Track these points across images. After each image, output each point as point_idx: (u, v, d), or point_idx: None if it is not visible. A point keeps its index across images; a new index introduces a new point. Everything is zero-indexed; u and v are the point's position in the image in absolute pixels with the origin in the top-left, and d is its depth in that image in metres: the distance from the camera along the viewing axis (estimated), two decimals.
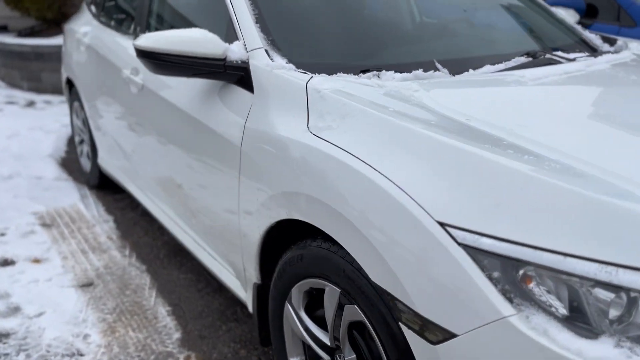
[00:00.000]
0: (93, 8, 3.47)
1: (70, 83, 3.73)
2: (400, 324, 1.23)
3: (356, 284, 1.35)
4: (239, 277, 2.00)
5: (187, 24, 2.37)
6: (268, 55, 1.79)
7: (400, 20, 2.27)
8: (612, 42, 2.35)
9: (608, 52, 2.15)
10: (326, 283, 1.47)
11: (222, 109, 1.88)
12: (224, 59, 1.81)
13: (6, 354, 2.08)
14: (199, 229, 2.24)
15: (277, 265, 1.67)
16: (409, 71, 1.70)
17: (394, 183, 1.23)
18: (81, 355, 2.08)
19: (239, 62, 1.81)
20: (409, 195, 1.19)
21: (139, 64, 2.46)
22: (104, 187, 3.61)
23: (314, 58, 1.84)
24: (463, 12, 2.26)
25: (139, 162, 2.69)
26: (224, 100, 1.89)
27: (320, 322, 1.58)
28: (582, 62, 1.90)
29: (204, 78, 1.89)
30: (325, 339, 1.55)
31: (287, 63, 1.75)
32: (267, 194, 1.61)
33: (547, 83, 1.69)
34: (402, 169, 1.25)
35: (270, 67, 1.74)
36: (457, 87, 1.63)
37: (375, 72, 1.70)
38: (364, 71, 1.71)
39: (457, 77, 1.70)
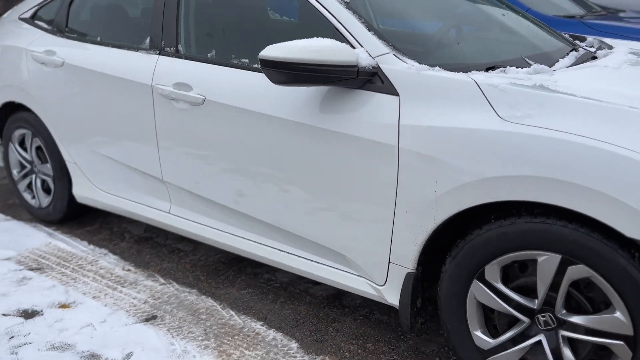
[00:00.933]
0: (43, 23, 3.14)
1: (5, 110, 3.32)
2: None
3: (586, 245, 1.58)
4: (366, 276, 2.09)
5: (252, 36, 2.36)
6: (399, 59, 1.93)
7: (488, 25, 2.55)
8: (581, 40, 2.86)
9: (607, 46, 2.64)
10: (540, 252, 1.67)
11: (355, 113, 1.96)
12: (356, 66, 1.90)
13: None
14: (297, 242, 2.26)
15: (456, 250, 1.83)
16: (521, 67, 1.98)
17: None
18: None
19: (370, 67, 1.92)
20: None
21: (189, 78, 2.37)
22: (68, 220, 3.29)
23: (436, 60, 2.01)
24: (502, 16, 2.60)
25: (187, 181, 2.56)
26: (352, 105, 1.97)
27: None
28: (616, 54, 2.34)
29: (330, 85, 1.96)
30: (529, 304, 1.75)
31: (419, 64, 1.91)
32: (451, 185, 1.75)
33: (631, 66, 2.09)
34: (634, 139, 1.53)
35: (414, 70, 1.88)
36: (585, 75, 1.95)
37: (501, 69, 1.94)
38: (489, 68, 1.94)
39: (571, 68, 2.01)
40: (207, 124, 2.35)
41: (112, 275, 2.74)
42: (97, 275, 2.74)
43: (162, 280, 2.69)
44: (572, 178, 1.56)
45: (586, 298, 1.68)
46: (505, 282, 1.80)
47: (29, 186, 3.40)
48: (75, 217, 3.35)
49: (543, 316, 1.75)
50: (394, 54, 1.95)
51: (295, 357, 2.13)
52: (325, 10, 2.11)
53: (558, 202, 1.59)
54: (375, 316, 2.39)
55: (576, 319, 1.68)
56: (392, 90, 1.91)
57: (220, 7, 2.51)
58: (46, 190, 3.33)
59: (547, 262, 1.68)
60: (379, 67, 1.93)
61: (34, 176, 3.34)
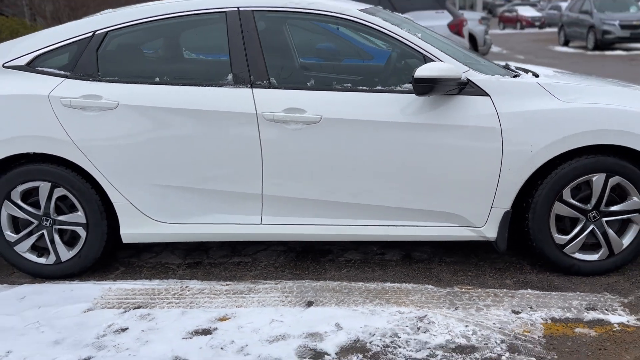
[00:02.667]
0: (52, 69, 3.06)
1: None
2: None
3: (619, 164, 2.88)
4: (468, 223, 3.04)
5: (348, 67, 3.04)
6: (476, 72, 2.97)
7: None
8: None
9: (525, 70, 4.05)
10: (594, 174, 2.91)
11: (460, 110, 2.90)
12: (460, 79, 2.88)
13: None
14: (406, 215, 3.03)
15: (543, 184, 2.93)
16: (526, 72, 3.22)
17: None
18: None
19: (465, 79, 2.91)
20: None
21: (301, 103, 2.92)
22: (89, 270, 3.23)
23: (488, 73, 3.08)
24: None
25: (294, 189, 3.01)
26: (456, 106, 2.90)
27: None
28: (547, 71, 3.75)
29: (443, 94, 2.87)
30: (585, 207, 2.97)
31: (493, 75, 2.98)
32: (543, 144, 2.86)
33: (566, 75, 3.51)
34: None
35: (495, 78, 2.94)
36: (564, 78, 3.27)
37: (522, 74, 3.15)
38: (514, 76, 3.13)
39: (546, 77, 3.29)
40: (325, 137, 2.93)
41: (222, 288, 2.99)
42: (208, 294, 2.95)
43: (292, 281, 3.08)
44: (612, 126, 2.85)
45: (617, 196, 3.00)
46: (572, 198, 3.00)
47: (33, 245, 3.18)
48: (97, 265, 3.28)
49: (592, 213, 3.00)
50: (472, 70, 2.96)
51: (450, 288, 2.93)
52: (410, 42, 2.98)
53: (606, 141, 2.86)
54: (447, 260, 3.31)
55: (614, 208, 2.98)
56: (482, 93, 2.92)
57: (305, 43, 3.09)
58: (66, 242, 3.18)
59: (598, 179, 2.93)
60: (468, 79, 2.92)
61: (45, 231, 3.15)
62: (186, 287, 3.04)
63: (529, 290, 2.93)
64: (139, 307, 2.84)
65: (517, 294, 2.89)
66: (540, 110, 2.89)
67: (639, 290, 2.91)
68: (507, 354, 2.37)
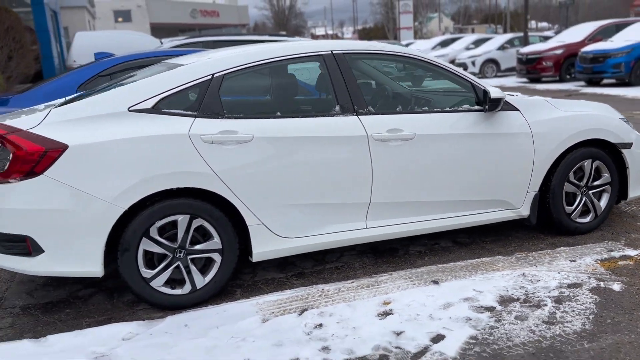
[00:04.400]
0: (178, 110, 3.32)
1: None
2: None
3: (594, 151, 4.18)
4: (511, 206, 4.05)
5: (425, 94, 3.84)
6: (508, 94, 4.05)
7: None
8: None
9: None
10: (588, 160, 4.16)
11: (508, 121, 3.93)
12: (505, 99, 3.92)
13: None
14: (462, 206, 3.92)
15: (557, 170, 4.08)
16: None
17: None
18: None
19: (503, 100, 3.96)
20: None
21: (399, 124, 3.65)
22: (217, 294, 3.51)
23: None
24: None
25: (394, 194, 3.69)
26: (499, 119, 3.93)
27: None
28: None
29: (492, 111, 3.87)
30: (580, 183, 4.20)
31: (516, 96, 4.08)
32: (559, 140, 4.01)
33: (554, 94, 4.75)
34: None
35: (520, 98, 4.04)
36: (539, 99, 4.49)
37: (516, 94, 4.32)
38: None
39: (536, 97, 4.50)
40: (417, 149, 3.70)
41: (352, 285, 3.53)
42: (347, 291, 3.47)
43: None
44: (593, 126, 4.13)
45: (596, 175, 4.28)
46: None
47: (168, 279, 3.35)
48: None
49: (583, 188, 4.23)
50: (506, 93, 4.03)
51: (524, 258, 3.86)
52: (460, 74, 3.94)
53: (591, 136, 4.12)
54: (487, 240, 4.25)
55: (595, 183, 4.26)
56: (513, 108, 3.98)
57: (383, 77, 3.82)
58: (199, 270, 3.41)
59: (588, 164, 4.18)
60: (504, 99, 3.96)
61: (179, 263, 3.35)
62: (322, 289, 3.50)
63: (563, 248, 4.02)
64: (306, 309, 3.24)
65: (557, 251, 3.96)
66: (551, 118, 4.04)
67: (621, 237, 4.20)
68: (602, 284, 3.40)
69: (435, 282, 3.52)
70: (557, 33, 24.30)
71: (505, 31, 54.94)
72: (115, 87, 3.44)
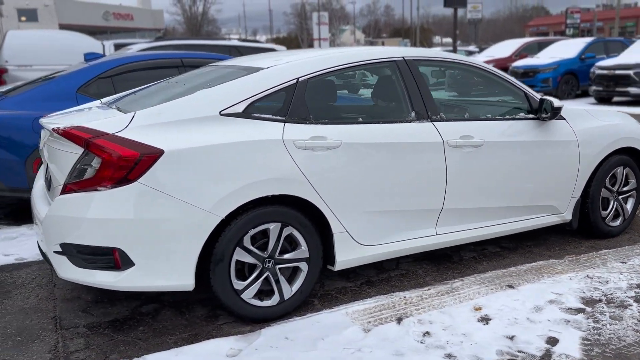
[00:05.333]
0: (268, 115, 3.20)
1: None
2: None
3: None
4: (557, 211, 4.22)
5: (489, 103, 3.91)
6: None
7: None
8: None
9: None
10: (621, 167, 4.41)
11: (557, 130, 4.09)
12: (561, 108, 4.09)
13: None
14: (518, 212, 4.05)
15: (596, 176, 4.29)
16: None
17: None
18: None
19: (558, 109, 4.11)
20: None
21: (469, 131, 3.71)
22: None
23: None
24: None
25: (464, 200, 3.73)
26: (550, 127, 4.09)
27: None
28: None
29: (549, 120, 4.03)
30: (613, 188, 4.44)
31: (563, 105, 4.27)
32: (601, 147, 4.22)
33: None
34: None
35: (570, 109, 4.22)
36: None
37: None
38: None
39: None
40: (486, 156, 3.78)
41: (431, 292, 3.53)
42: (429, 298, 3.47)
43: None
44: (626, 135, 4.39)
45: (625, 181, 4.55)
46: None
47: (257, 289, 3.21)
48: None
49: (615, 194, 4.48)
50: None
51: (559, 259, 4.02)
52: (514, 83, 4.06)
53: (623, 145, 4.38)
54: (529, 244, 4.39)
55: (624, 188, 4.52)
56: (561, 117, 4.16)
57: (460, 87, 3.86)
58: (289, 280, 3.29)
59: (620, 170, 4.43)
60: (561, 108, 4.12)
61: (268, 273, 3.21)
62: (404, 297, 3.48)
63: (605, 250, 4.23)
64: (401, 318, 3.21)
65: (602, 253, 4.16)
66: (593, 127, 4.26)
67: None
68: None
69: (511, 287, 3.59)
70: (480, 48, 25.53)
71: (414, 45, 57.16)
72: (192, 90, 3.25)
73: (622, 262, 3.95)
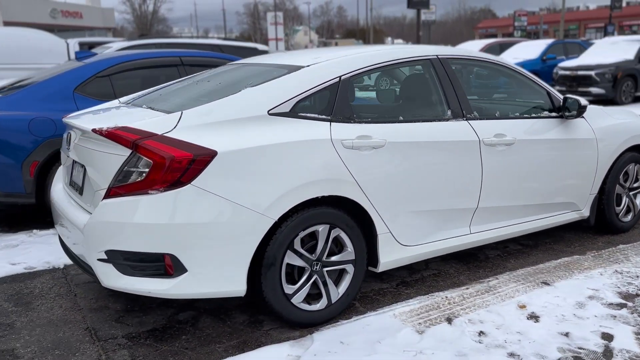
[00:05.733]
0: (313, 114, 3.12)
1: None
2: None
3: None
4: (577, 208, 4.28)
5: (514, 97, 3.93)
6: None
7: None
8: None
9: None
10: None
11: (578, 128, 4.15)
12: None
13: None
14: (543, 209, 4.09)
15: (610, 173, 4.38)
16: None
17: None
18: None
19: (584, 107, 4.16)
20: None
21: (502, 130, 3.72)
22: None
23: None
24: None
25: (496, 198, 3.73)
26: (572, 125, 4.15)
27: None
28: None
29: (573, 119, 4.08)
30: (625, 184, 4.54)
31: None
32: (617, 144, 4.31)
33: None
34: None
35: (591, 108, 4.28)
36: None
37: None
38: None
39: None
40: (517, 154, 3.79)
41: (470, 291, 3.53)
42: (470, 297, 3.46)
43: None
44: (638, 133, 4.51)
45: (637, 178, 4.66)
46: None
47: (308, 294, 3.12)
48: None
49: (626, 190, 4.59)
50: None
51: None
52: (538, 83, 4.11)
53: (635, 143, 4.49)
54: (547, 242, 4.45)
55: (635, 185, 4.64)
56: (582, 117, 4.23)
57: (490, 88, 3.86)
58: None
59: (632, 168, 4.54)
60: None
61: (316, 276, 3.13)
62: (446, 297, 3.45)
63: (622, 245, 4.32)
64: (450, 318, 3.18)
65: (621, 248, 4.25)
66: (609, 125, 4.35)
67: None
68: None
69: (546, 283, 3.62)
70: None
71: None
72: (231, 89, 3.14)
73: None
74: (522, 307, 3.31)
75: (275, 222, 2.92)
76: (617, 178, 4.44)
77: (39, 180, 4.96)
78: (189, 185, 2.73)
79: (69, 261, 4.17)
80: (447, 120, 3.56)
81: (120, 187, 2.78)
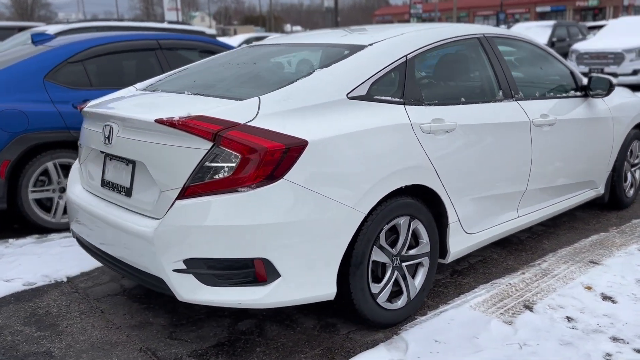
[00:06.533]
0: (386, 97, 2.88)
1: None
2: None
3: None
4: (595, 186, 4.34)
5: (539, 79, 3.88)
6: None
7: None
8: None
9: None
10: None
11: (597, 107, 4.19)
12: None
13: None
14: (573, 188, 4.10)
15: (620, 150, 4.48)
16: None
17: None
18: None
19: (614, 86, 4.18)
20: None
21: (545, 110, 3.66)
22: None
23: None
24: None
25: (543, 179, 3.67)
26: (593, 104, 4.18)
27: None
28: None
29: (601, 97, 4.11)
30: (634, 161, 4.67)
31: None
32: (630, 120, 4.40)
33: None
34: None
35: None
36: None
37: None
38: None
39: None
40: (557, 134, 3.75)
41: (527, 276, 3.45)
42: (530, 281, 3.39)
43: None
44: None
45: None
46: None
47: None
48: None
49: (636, 166, 4.72)
50: None
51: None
52: (563, 62, 4.09)
53: None
54: (583, 226, 4.47)
55: None
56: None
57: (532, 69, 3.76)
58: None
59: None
60: None
61: (397, 272, 2.92)
62: (510, 284, 3.35)
63: (635, 220, 4.44)
64: (528, 306, 3.08)
65: (634, 223, 4.36)
66: (620, 103, 4.42)
67: None
68: None
69: (595, 262, 3.62)
70: None
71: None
72: (295, 72, 2.83)
73: None
74: (589, 288, 3.27)
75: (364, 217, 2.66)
76: (625, 155, 4.54)
77: (10, 183, 4.34)
78: (282, 180, 2.40)
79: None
80: (501, 101, 3.44)
81: (200, 185, 2.40)
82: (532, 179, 3.61)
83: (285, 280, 2.46)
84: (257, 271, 2.43)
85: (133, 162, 2.69)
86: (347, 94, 2.73)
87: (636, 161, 4.78)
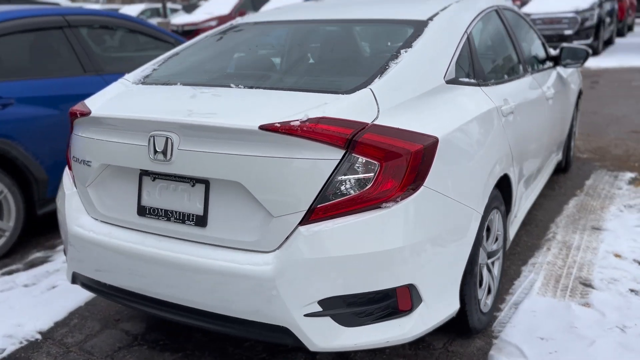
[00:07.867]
0: (466, 79, 2.59)
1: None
2: None
3: None
4: (557, 153, 4.49)
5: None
6: None
7: None
8: None
9: None
10: None
11: (562, 76, 4.29)
12: None
13: None
14: (547, 163, 4.19)
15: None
16: None
17: None
18: None
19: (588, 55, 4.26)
20: None
21: (546, 82, 3.63)
22: None
23: None
24: None
25: (544, 156, 3.65)
26: (559, 75, 4.27)
27: None
28: None
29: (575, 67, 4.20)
30: None
31: None
32: (575, 87, 4.59)
33: None
34: None
35: None
36: None
37: None
38: None
39: None
40: (551, 108, 3.71)
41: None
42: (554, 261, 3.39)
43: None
44: (579, 80, 4.88)
45: None
46: None
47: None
48: None
49: None
50: None
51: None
52: (539, 36, 4.10)
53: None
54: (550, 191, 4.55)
55: None
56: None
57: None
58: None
59: None
60: None
61: (485, 272, 2.68)
62: (548, 262, 3.29)
63: (587, 182, 4.69)
64: (584, 282, 3.05)
65: (589, 185, 4.61)
66: (570, 72, 4.56)
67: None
68: None
69: (597, 229, 3.73)
70: (184, 7, 24.55)
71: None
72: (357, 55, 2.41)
73: (619, 189, 4.45)
74: (618, 256, 3.34)
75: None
76: (572, 123, 4.76)
77: None
78: (423, 187, 2.00)
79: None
80: (524, 76, 3.31)
81: (332, 204, 1.90)
82: (545, 152, 3.58)
83: (426, 305, 2.08)
84: (399, 300, 2.01)
85: (205, 182, 2.05)
86: (444, 78, 2.37)
87: (574, 130, 5.05)
